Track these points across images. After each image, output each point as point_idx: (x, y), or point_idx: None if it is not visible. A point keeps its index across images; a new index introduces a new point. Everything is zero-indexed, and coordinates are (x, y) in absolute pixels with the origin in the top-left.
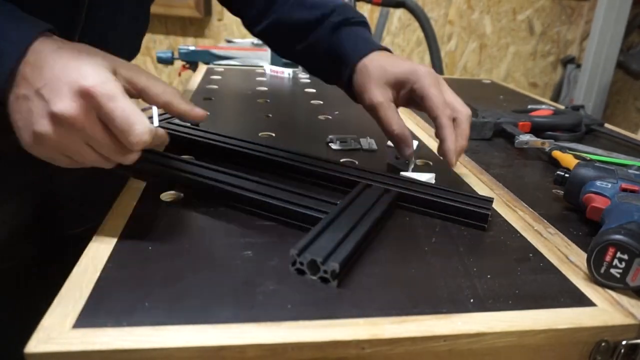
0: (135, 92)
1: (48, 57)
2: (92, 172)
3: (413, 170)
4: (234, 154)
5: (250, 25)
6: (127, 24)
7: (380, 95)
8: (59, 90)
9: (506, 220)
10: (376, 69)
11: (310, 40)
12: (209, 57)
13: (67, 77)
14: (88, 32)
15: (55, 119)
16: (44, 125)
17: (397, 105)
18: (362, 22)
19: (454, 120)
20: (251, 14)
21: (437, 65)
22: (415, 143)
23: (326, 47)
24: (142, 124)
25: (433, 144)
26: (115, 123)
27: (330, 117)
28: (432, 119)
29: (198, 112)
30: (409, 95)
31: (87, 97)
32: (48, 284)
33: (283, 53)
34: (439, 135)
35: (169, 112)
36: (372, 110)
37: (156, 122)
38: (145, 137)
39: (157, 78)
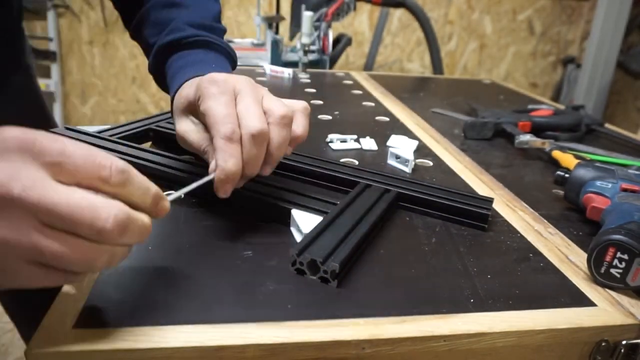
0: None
1: None
2: None
3: (413, 170)
4: None
5: (126, 26)
6: None
7: (179, 125)
8: None
9: (506, 220)
10: (178, 99)
11: (151, 62)
12: None
13: None
14: None
15: None
16: None
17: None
18: (196, 43)
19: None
20: (125, 8)
21: (437, 65)
22: (415, 143)
23: (158, 76)
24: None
25: (433, 144)
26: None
27: (330, 117)
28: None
29: (160, 208)
30: None
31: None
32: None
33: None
34: (216, 159)
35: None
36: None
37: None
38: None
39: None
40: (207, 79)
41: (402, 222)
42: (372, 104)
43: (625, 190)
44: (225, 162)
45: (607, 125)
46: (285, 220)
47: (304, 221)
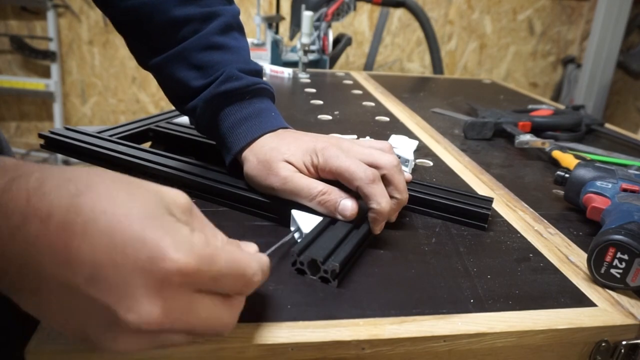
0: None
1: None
2: None
3: (413, 170)
4: None
5: (139, 55)
6: None
7: (283, 169)
8: (125, 289)
9: (506, 220)
10: (270, 153)
11: (190, 107)
12: None
13: (130, 260)
14: None
15: (133, 331)
16: (115, 343)
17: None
18: (256, 91)
19: (383, 177)
20: (142, 40)
21: (437, 65)
22: (415, 143)
23: (205, 123)
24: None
25: (433, 144)
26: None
27: (330, 117)
28: (355, 190)
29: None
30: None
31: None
32: None
33: (171, 103)
34: (368, 204)
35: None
36: (284, 189)
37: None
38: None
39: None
40: (321, 144)
41: (402, 222)
42: (372, 104)
43: (625, 190)
44: (379, 203)
45: (607, 125)
46: (285, 221)
47: (304, 221)
